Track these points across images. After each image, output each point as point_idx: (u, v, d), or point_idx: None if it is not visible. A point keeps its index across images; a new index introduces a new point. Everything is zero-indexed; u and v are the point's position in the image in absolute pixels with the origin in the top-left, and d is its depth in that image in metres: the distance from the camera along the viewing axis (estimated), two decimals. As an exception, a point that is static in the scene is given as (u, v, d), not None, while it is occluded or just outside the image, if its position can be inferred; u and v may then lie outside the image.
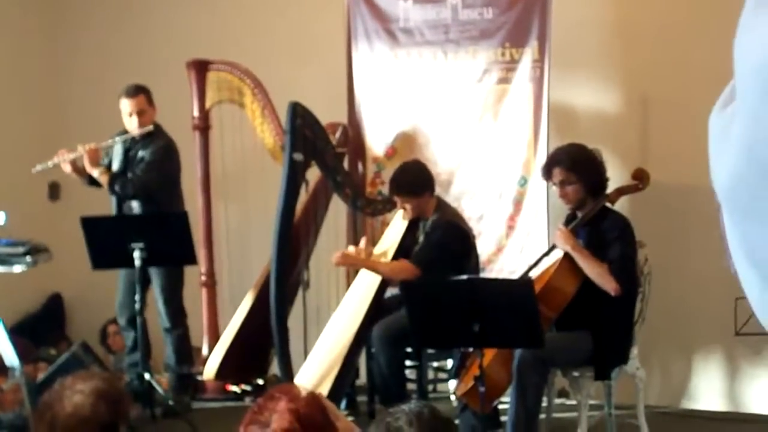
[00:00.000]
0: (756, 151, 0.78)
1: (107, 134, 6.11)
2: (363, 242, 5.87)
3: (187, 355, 6.33)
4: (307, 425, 2.19)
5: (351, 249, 5.77)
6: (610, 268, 4.85)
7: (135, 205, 6.08)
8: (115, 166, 6.13)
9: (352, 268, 5.97)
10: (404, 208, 5.64)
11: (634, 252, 4.99)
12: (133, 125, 6.04)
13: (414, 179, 5.62)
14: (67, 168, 6.05)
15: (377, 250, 5.91)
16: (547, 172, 5.12)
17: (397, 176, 5.68)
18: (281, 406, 2.21)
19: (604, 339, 4.93)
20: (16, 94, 7.81)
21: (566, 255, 4.94)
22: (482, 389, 4.50)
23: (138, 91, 6.04)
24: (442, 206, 5.68)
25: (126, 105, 6.04)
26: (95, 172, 6.02)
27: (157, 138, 6.05)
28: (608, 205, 5.08)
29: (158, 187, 6.01)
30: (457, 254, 5.52)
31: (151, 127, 6.03)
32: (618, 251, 4.89)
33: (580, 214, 5.04)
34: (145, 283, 5.96)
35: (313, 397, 2.29)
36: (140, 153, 6.04)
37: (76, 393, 2.66)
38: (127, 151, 6.11)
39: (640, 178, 5.13)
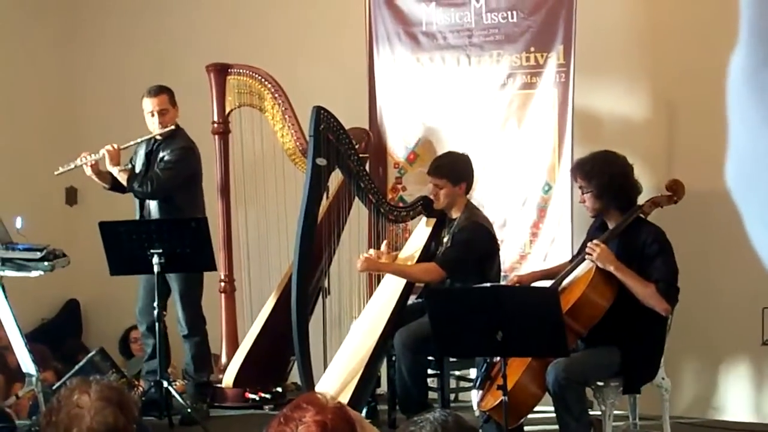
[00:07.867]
0: None
1: (125, 139, 6.07)
2: (384, 246, 5.79)
3: (205, 362, 6.28)
4: (334, 437, 2.14)
5: (371, 252, 5.68)
6: (657, 287, 4.68)
7: (154, 210, 6.02)
8: (138, 167, 6.11)
9: (376, 272, 5.88)
10: (436, 195, 5.56)
11: (676, 264, 4.80)
12: (154, 125, 6.01)
13: (455, 165, 5.57)
14: (88, 170, 6.01)
15: (401, 256, 5.81)
16: (573, 175, 5.14)
17: (440, 157, 5.72)
18: (308, 417, 2.16)
19: (635, 354, 4.79)
20: (33, 99, 7.80)
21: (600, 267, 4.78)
22: (505, 398, 4.41)
23: (160, 91, 6.04)
24: (471, 208, 5.61)
25: (148, 104, 6.04)
26: (115, 170, 6.00)
27: (177, 139, 6.04)
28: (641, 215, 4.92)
29: (176, 187, 5.97)
30: (482, 255, 5.46)
31: (172, 127, 6.01)
32: (663, 268, 4.73)
33: (611, 225, 4.89)
34: (165, 289, 5.93)
35: (340, 408, 2.23)
36: (161, 153, 6.02)
37: (82, 402, 2.59)
38: (149, 153, 6.08)
39: (675, 190, 4.97)
